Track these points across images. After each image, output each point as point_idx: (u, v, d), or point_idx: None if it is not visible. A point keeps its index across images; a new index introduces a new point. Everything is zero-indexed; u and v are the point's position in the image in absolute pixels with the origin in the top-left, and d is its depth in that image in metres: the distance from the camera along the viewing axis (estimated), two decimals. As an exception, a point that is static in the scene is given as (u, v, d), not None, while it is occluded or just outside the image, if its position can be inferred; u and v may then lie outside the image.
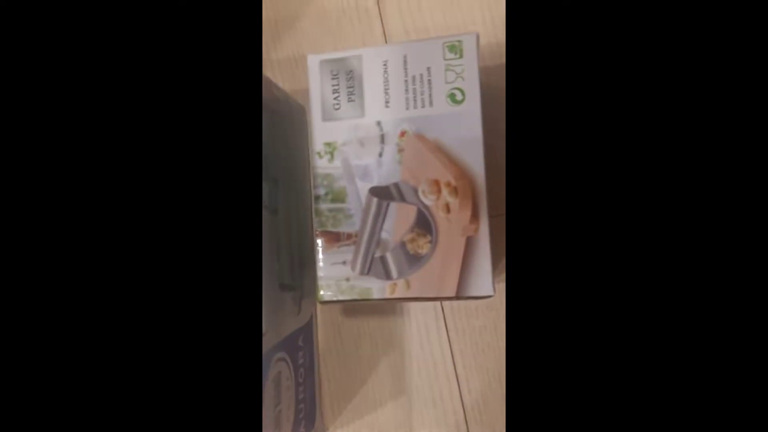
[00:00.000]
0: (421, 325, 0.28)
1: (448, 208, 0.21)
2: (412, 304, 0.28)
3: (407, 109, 0.21)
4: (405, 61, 0.21)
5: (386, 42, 0.29)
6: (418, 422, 0.28)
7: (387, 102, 0.21)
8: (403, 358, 0.28)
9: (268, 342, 0.20)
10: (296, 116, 0.27)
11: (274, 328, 0.21)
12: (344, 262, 0.22)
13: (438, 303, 0.28)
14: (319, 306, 0.29)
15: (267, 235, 0.22)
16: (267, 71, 0.30)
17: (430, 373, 0.28)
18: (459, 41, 0.21)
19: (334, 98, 0.22)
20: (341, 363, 0.28)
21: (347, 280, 0.22)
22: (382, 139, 0.21)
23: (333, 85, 0.22)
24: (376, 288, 0.21)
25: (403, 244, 0.21)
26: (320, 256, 0.22)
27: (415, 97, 0.21)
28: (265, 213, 0.22)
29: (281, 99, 0.25)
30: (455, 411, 0.27)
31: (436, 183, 0.21)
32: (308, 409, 0.26)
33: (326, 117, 0.22)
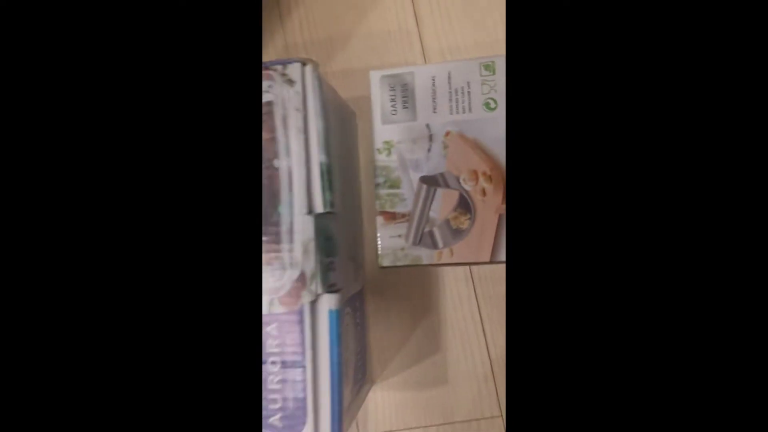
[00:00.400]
0: (454, 293, 0.33)
1: (483, 192, 0.26)
2: (447, 275, 0.33)
3: (451, 114, 0.27)
4: (449, 77, 0.27)
5: (424, 57, 0.34)
6: (452, 375, 0.33)
7: (434, 108, 0.27)
8: (439, 320, 0.33)
9: (342, 297, 0.26)
10: (350, 120, 0.33)
11: (346, 287, 0.27)
12: (399, 236, 0.27)
13: (470, 273, 0.33)
14: (367, 276, 0.34)
15: (341, 215, 0.27)
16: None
17: (462, 334, 0.33)
18: (492, 61, 0.26)
19: (392, 105, 0.27)
20: (385, 326, 0.34)
21: (402, 249, 0.27)
22: (431, 138, 0.27)
23: (391, 95, 0.27)
24: (426, 255, 0.27)
25: (447, 221, 0.26)
26: (379, 231, 0.27)
27: (457, 105, 0.26)
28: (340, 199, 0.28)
29: (343, 105, 0.31)
30: (483, 363, 0.33)
31: (474, 172, 0.26)
32: (362, 362, 0.32)
33: (385, 121, 0.27)
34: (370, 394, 0.34)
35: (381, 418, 0.34)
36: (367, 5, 0.35)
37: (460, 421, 0.33)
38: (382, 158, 0.27)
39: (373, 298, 0.34)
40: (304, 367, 0.23)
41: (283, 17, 0.36)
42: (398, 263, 0.27)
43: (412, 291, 0.34)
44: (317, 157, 0.24)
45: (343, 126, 0.30)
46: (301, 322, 0.23)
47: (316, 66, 0.24)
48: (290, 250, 0.24)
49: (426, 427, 0.33)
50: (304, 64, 0.24)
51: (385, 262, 0.27)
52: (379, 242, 0.27)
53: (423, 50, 0.34)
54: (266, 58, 0.37)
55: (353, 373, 0.29)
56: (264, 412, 0.24)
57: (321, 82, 0.24)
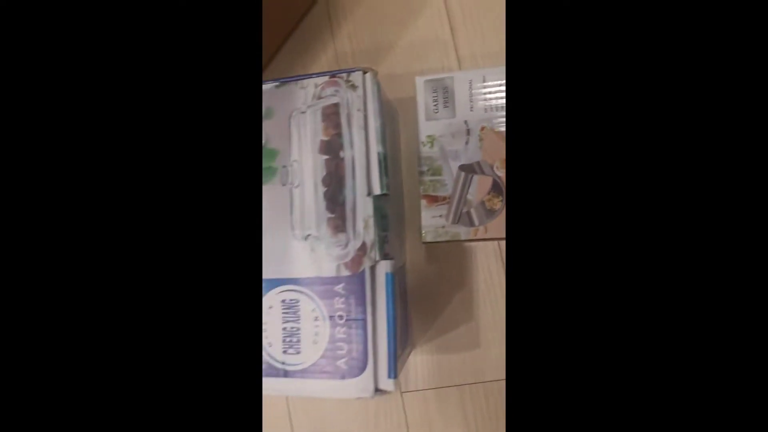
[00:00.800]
0: (485, 268, 0.38)
1: (513, 178, 0.31)
2: (480, 252, 0.38)
3: (485, 112, 0.31)
4: (483, 80, 0.31)
5: (459, 63, 0.39)
6: (483, 339, 0.38)
7: (471, 107, 0.32)
8: (472, 293, 0.38)
9: (395, 264, 0.31)
10: (394, 117, 0.38)
11: (398, 258, 0.32)
12: (440, 215, 0.32)
13: (499, 250, 0.38)
14: (408, 254, 0.39)
15: (391, 198, 0.32)
16: (366, 85, 0.41)
17: (492, 303, 0.38)
18: (520, 67, 0.31)
19: (434, 105, 0.32)
20: (424, 298, 0.39)
21: (443, 227, 0.32)
22: (468, 132, 0.32)
23: (433, 96, 0.32)
24: (463, 232, 0.31)
25: (482, 203, 0.31)
26: (423, 212, 0.32)
27: (490, 104, 0.31)
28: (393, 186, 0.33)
29: (389, 104, 0.36)
30: (511, 330, 0.37)
31: (505, 161, 0.31)
32: (405, 326, 0.36)
33: (428, 118, 0.32)
34: (411, 357, 0.39)
35: (421, 377, 0.39)
36: (408, 18, 0.40)
37: (489, 381, 0.38)
38: (425, 150, 0.32)
39: (414, 273, 0.39)
40: (365, 320, 0.28)
41: (334, 30, 0.42)
42: (439, 239, 0.32)
43: (448, 267, 0.39)
44: (375, 148, 0.29)
45: (390, 122, 0.35)
46: (362, 283, 0.28)
47: (375, 73, 0.29)
48: (353, 225, 0.29)
49: (460, 385, 0.38)
50: (365, 72, 0.29)
51: (429, 238, 0.32)
52: (422, 221, 0.32)
53: (458, 57, 0.39)
54: (318, 67, 0.42)
55: (400, 333, 0.34)
56: (331, 359, 0.29)
57: (379, 87, 0.29)
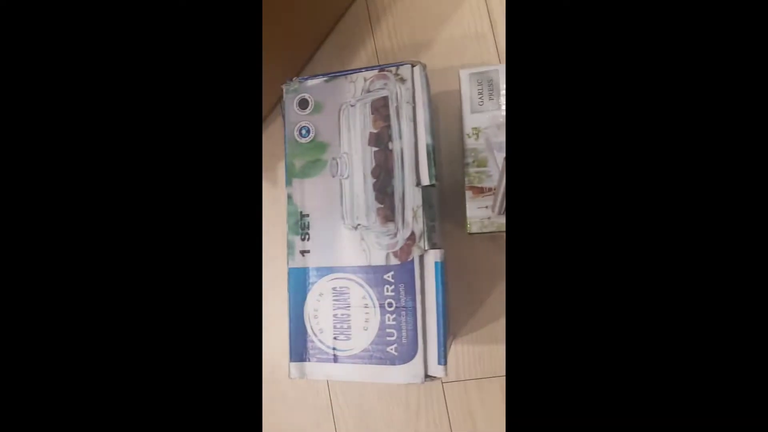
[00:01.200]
0: (526, 261, 0.38)
1: (559, 169, 0.31)
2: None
3: (530, 104, 0.32)
4: (529, 72, 0.32)
5: (499, 57, 0.39)
6: (524, 331, 0.38)
7: (516, 99, 0.32)
8: (513, 285, 0.38)
9: (444, 254, 0.31)
10: (435, 110, 0.38)
11: (443, 247, 0.32)
12: (486, 207, 0.32)
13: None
14: (448, 244, 0.40)
15: (437, 188, 0.33)
16: (405, 80, 0.42)
17: (533, 296, 0.38)
18: (566, 58, 0.31)
19: (479, 97, 0.33)
20: (465, 288, 0.39)
21: (488, 218, 0.32)
22: (513, 124, 0.32)
23: (478, 89, 0.33)
24: (509, 223, 0.32)
25: (527, 193, 0.32)
26: (468, 203, 0.33)
27: (535, 96, 0.32)
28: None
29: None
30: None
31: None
32: (448, 316, 0.37)
33: (473, 110, 0.33)
34: (452, 347, 0.39)
35: (462, 367, 0.39)
36: (448, 14, 0.41)
37: (531, 373, 0.38)
38: (471, 142, 0.33)
39: (454, 264, 0.39)
40: (414, 308, 0.29)
41: (373, 26, 0.42)
42: (485, 230, 0.32)
43: (488, 259, 0.39)
44: (424, 139, 0.29)
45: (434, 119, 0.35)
46: (411, 271, 0.29)
47: (423, 67, 0.30)
48: (402, 215, 0.29)
49: (500, 376, 0.38)
50: (413, 65, 0.30)
51: (474, 229, 0.32)
52: (468, 212, 0.33)
53: (498, 51, 0.39)
54: (358, 62, 0.43)
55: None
56: (382, 345, 0.29)
57: (427, 80, 0.30)
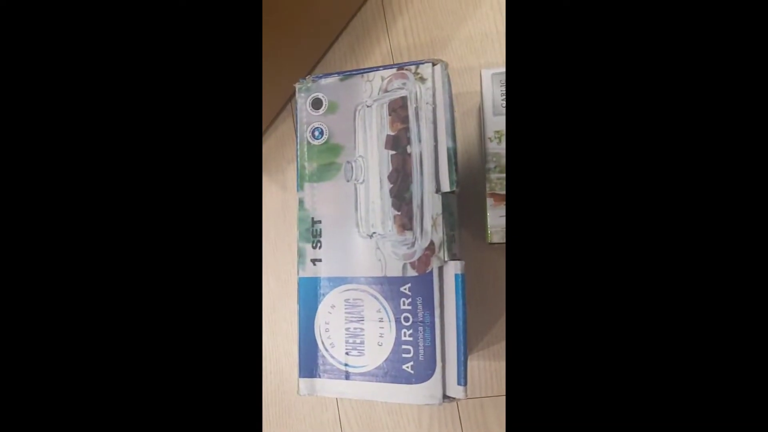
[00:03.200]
0: (548, 272, 0.36)
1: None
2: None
3: (558, 106, 0.30)
4: (556, 73, 0.30)
5: (520, 57, 0.37)
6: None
7: (542, 102, 0.30)
8: (533, 297, 0.36)
9: (464, 266, 0.29)
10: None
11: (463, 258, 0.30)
12: (508, 215, 0.30)
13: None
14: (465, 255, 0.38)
15: (457, 195, 0.31)
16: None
17: (555, 309, 0.36)
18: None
19: (502, 99, 0.31)
20: (482, 301, 0.37)
21: (511, 227, 0.30)
22: (538, 127, 0.30)
23: (501, 90, 0.31)
24: (533, 233, 0.30)
25: (554, 202, 0.30)
26: (489, 211, 0.31)
27: (563, 98, 0.30)
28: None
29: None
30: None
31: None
32: (463, 330, 0.35)
33: (496, 113, 0.31)
34: (468, 363, 0.37)
35: (477, 384, 0.37)
36: (466, 12, 0.39)
37: (551, 390, 0.36)
38: (493, 146, 0.31)
39: (470, 275, 0.38)
40: (433, 323, 0.27)
41: (389, 25, 0.41)
42: (506, 240, 0.30)
43: (501, 272, 0.37)
44: (445, 142, 0.28)
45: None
46: (430, 284, 0.27)
47: (445, 65, 0.28)
48: (421, 223, 0.27)
49: (519, 394, 0.36)
50: (434, 63, 0.28)
51: (496, 239, 0.31)
52: (489, 221, 0.31)
53: (519, 51, 0.38)
54: (372, 61, 0.41)
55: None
56: (397, 362, 0.27)
57: (449, 79, 0.28)
